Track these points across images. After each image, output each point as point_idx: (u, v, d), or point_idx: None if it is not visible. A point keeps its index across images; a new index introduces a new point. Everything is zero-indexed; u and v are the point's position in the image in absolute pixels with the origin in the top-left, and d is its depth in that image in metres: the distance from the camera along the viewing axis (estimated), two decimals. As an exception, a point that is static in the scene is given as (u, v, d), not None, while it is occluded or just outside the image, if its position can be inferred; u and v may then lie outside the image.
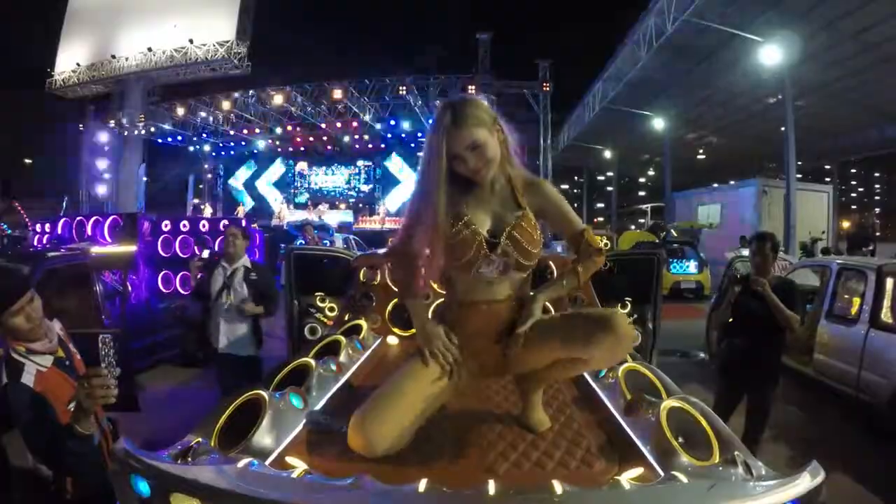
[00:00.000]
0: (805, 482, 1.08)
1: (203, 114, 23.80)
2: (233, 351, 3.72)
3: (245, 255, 3.86)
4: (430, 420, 1.55)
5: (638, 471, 1.35)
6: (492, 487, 1.13)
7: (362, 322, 2.81)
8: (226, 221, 6.91)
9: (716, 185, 23.08)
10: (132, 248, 5.84)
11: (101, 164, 22.92)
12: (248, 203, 28.87)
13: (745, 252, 9.44)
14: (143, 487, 1.10)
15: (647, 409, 1.60)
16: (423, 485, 1.12)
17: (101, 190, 22.83)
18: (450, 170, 1.48)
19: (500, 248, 1.49)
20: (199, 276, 4.02)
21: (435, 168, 1.46)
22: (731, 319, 3.44)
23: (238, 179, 29.90)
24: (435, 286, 2.57)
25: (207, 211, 25.54)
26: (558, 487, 1.10)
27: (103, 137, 22.90)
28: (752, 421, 3.30)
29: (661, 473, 1.30)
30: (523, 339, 1.52)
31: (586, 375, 2.11)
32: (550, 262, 3.12)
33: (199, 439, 1.35)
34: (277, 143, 26.94)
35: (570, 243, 1.62)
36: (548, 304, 2.93)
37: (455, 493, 1.12)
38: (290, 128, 24.75)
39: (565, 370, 1.57)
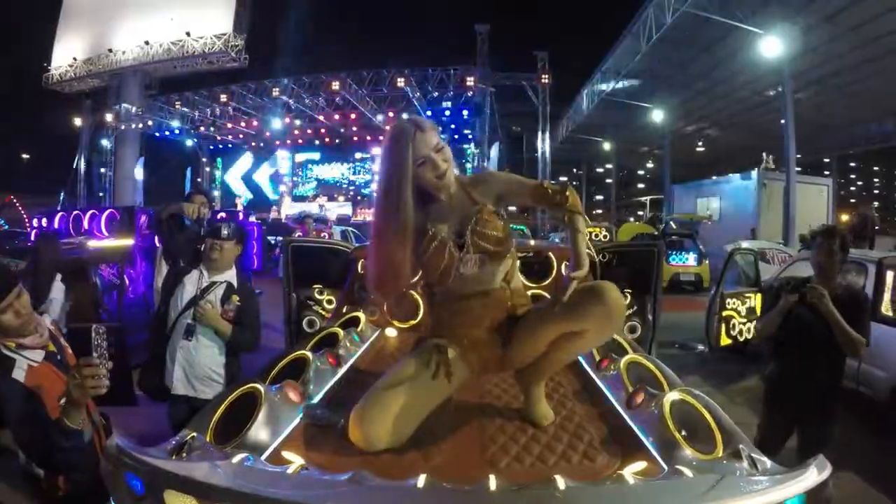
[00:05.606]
0: (812, 476, 1.06)
1: (200, 107, 23.68)
2: (189, 392, 2.63)
3: (234, 269, 2.80)
4: (430, 414, 1.53)
5: (641, 465, 1.33)
6: (493, 482, 1.11)
7: (360, 314, 2.79)
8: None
9: (715, 177, 23.06)
10: (129, 241, 5.80)
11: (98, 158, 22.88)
12: (246, 196, 28.81)
13: (745, 244, 9.48)
14: (137, 485, 1.07)
15: (649, 401, 1.58)
16: (422, 480, 1.10)
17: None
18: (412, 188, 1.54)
19: (468, 244, 1.55)
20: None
21: (402, 175, 1.50)
22: (779, 334, 2.74)
23: (236, 172, 29.80)
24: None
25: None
26: (561, 482, 1.08)
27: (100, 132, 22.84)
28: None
29: (665, 467, 1.28)
30: (526, 317, 1.58)
31: (587, 367, 2.09)
32: (550, 254, 3.10)
33: (194, 434, 1.33)
34: (275, 135, 26.83)
35: (538, 200, 1.64)
36: (543, 294, 2.96)
37: (455, 488, 1.09)
38: (287, 120, 24.61)
39: (562, 352, 1.57)
